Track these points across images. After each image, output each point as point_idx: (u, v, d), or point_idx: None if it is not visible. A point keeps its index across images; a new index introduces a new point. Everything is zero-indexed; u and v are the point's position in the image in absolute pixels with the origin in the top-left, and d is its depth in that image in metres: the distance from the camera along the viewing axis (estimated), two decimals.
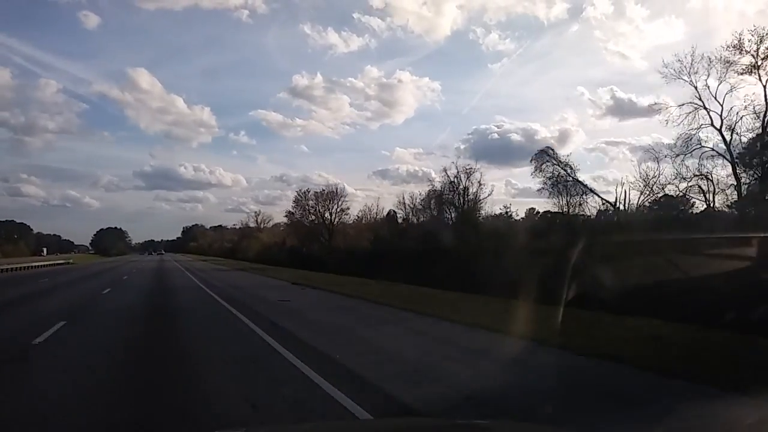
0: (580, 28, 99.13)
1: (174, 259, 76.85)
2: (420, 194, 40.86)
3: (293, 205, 56.97)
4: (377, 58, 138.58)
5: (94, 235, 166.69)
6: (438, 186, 37.05)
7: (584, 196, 27.27)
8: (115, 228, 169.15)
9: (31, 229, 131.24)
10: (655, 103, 25.11)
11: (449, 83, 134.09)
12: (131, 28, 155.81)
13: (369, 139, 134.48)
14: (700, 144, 22.69)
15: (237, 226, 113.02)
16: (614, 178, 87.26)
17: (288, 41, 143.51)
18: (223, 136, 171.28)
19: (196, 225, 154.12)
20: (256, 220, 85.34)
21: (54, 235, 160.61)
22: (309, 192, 56.41)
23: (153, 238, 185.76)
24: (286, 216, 58.92)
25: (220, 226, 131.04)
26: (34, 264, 52.11)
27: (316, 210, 53.94)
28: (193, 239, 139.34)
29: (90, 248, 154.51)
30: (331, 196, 53.90)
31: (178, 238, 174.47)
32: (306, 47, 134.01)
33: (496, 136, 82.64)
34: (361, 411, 4.67)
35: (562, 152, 31.51)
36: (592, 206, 27.65)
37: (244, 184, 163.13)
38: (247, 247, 70.98)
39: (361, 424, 4.01)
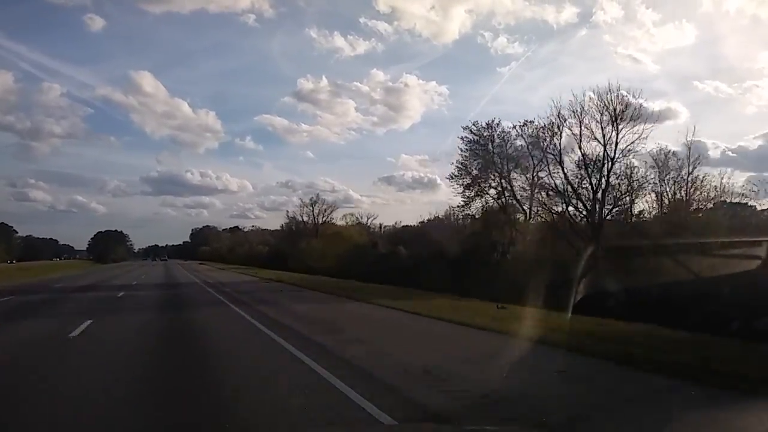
0: (589, 32, 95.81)
1: (198, 276, 39.52)
2: None
3: (463, 152, 29.67)
4: (384, 61, 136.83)
5: (92, 238, 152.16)
6: None
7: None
8: (115, 231, 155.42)
9: (16, 231, 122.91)
10: None
11: (456, 87, 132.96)
12: (137, 31, 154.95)
13: (374, 145, 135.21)
14: None
15: (255, 228, 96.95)
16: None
17: (294, 45, 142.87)
18: (229, 141, 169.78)
19: (207, 227, 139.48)
20: (312, 212, 60.91)
21: (50, 239, 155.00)
22: (496, 121, 29.24)
23: (157, 243, 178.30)
24: (453, 177, 30.14)
25: (237, 227, 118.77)
26: None
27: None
28: (204, 243, 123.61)
29: (90, 254, 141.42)
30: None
31: (184, 242, 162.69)
32: (312, 51, 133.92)
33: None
34: None
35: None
36: None
37: (250, 189, 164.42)
38: (308, 252, 46.16)
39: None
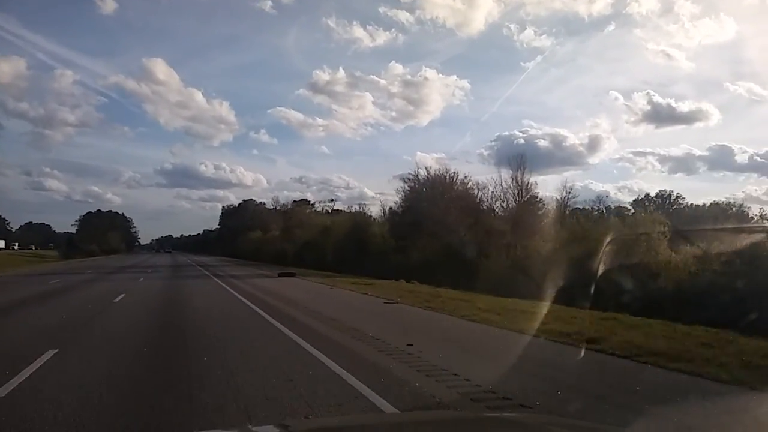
0: (619, 26, 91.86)
1: None
2: None
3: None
4: (404, 53, 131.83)
5: (77, 221, 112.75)
6: None
7: None
8: (109, 212, 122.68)
9: None
10: None
11: (478, 82, 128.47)
12: (150, 17, 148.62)
13: (390, 142, 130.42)
14: None
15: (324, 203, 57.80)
16: (640, 188, 78.89)
17: (311, 35, 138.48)
18: (243, 134, 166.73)
19: (252, 200, 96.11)
20: None
21: (43, 224, 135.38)
22: None
23: (171, 234, 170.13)
24: None
25: (305, 200, 73.50)
26: None
27: None
28: (252, 226, 74.01)
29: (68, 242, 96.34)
30: None
31: (205, 230, 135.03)
32: (329, 42, 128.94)
33: (522, 141, 77.25)
34: None
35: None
36: None
37: (264, 184, 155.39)
38: None
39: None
